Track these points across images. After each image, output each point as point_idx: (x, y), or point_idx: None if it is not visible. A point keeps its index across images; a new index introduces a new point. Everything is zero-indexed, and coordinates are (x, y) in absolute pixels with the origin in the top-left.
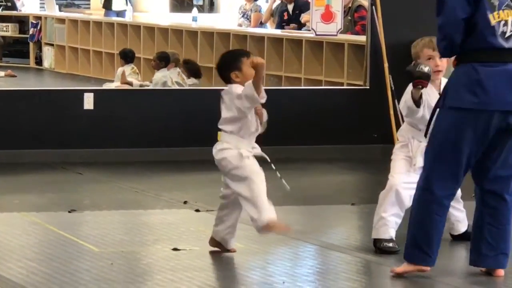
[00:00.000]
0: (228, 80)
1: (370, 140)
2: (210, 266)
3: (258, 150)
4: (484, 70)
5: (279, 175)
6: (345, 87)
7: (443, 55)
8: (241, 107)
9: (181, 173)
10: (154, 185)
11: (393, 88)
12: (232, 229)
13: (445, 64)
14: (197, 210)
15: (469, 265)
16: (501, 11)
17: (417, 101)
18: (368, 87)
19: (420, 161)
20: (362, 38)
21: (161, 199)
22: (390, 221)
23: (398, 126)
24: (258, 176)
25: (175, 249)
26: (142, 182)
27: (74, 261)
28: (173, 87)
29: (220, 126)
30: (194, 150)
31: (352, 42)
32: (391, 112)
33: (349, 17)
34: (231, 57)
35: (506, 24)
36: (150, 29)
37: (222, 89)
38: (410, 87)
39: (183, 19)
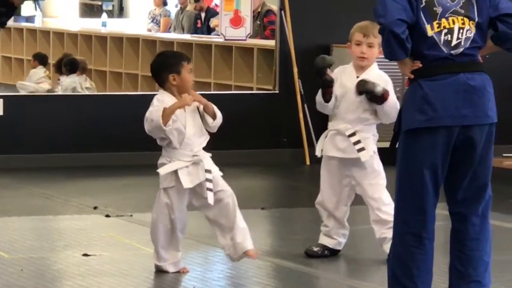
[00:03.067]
0: (163, 83)
1: (280, 145)
2: (121, 271)
3: (198, 158)
4: (429, 84)
5: None
6: (254, 91)
7: (386, 56)
8: (147, 130)
9: (91, 178)
10: (64, 190)
11: (302, 93)
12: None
13: (373, 54)
14: (107, 216)
15: None
16: (443, 19)
17: (326, 97)
18: (277, 92)
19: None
20: (271, 43)
21: (70, 205)
22: (333, 232)
23: (307, 130)
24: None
25: (85, 255)
26: (51, 188)
27: None
28: (82, 93)
29: None
30: (104, 155)
31: (262, 46)
32: (301, 116)
33: (258, 22)
34: (172, 59)
35: (450, 32)
36: (60, 34)
37: (133, 95)
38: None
39: (93, 24)
